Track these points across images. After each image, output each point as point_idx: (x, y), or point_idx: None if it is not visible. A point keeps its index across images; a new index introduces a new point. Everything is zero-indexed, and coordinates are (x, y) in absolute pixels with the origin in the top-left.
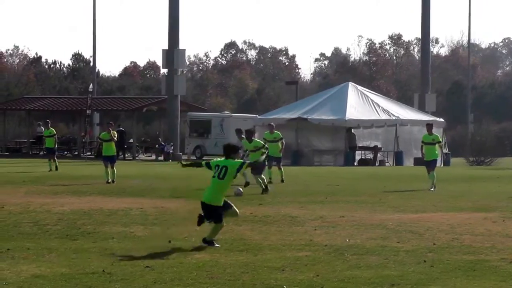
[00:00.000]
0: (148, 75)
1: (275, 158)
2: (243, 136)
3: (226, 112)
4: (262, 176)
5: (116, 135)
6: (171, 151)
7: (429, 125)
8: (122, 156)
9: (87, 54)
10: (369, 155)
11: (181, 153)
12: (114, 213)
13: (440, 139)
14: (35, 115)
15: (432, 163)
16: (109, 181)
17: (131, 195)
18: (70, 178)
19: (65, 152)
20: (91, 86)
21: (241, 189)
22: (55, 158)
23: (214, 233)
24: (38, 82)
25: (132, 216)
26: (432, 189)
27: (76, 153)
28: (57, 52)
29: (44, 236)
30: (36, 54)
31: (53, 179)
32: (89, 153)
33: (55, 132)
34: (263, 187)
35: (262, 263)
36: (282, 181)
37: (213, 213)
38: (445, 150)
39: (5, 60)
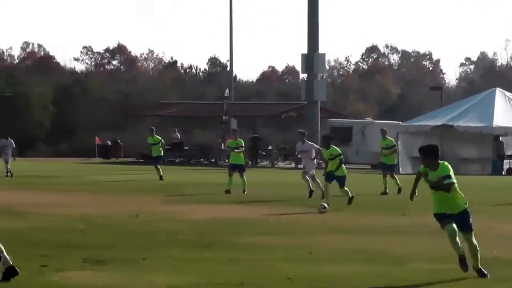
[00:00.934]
0: (286, 80)
1: (388, 166)
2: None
3: (368, 118)
4: (345, 188)
5: (242, 144)
6: None
7: None
8: (254, 163)
9: (223, 58)
10: None
11: (320, 161)
12: (248, 222)
13: None
14: (170, 121)
15: None
16: (228, 190)
17: (266, 204)
18: (207, 185)
19: (202, 160)
20: (227, 91)
21: (326, 205)
22: (158, 167)
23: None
24: (174, 87)
25: (267, 225)
26: None
27: (213, 160)
28: (193, 56)
29: (177, 246)
30: (172, 58)
31: (189, 187)
32: (227, 161)
33: (160, 139)
34: (350, 195)
35: (406, 276)
36: (399, 191)
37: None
38: None
39: (140, 64)
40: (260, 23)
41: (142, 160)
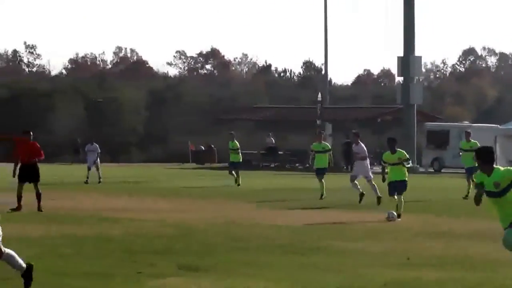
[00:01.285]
0: (382, 84)
1: (469, 168)
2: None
3: (465, 122)
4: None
5: (328, 147)
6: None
7: None
8: (350, 168)
9: (318, 61)
10: None
11: (418, 166)
12: (346, 227)
13: None
14: (264, 125)
15: None
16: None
17: (364, 208)
18: (301, 191)
19: (296, 164)
20: (319, 95)
21: (394, 213)
22: (233, 173)
23: None
24: (267, 91)
25: (365, 230)
26: None
27: (308, 165)
28: (288, 60)
29: (273, 251)
30: (266, 62)
31: (283, 192)
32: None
33: (238, 146)
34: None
35: (506, 282)
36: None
37: None
38: None
39: (233, 68)
40: (355, 26)
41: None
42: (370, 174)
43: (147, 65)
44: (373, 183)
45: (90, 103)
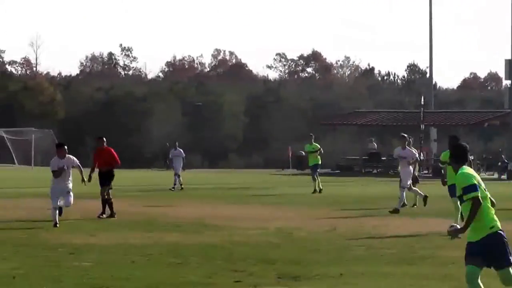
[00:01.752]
0: (489, 87)
1: None
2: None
3: None
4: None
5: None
6: None
7: None
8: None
9: (423, 65)
10: None
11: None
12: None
13: None
14: (366, 130)
15: None
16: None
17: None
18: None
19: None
20: (422, 99)
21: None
22: (315, 177)
23: None
24: (370, 95)
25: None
26: None
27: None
28: (391, 63)
29: (378, 261)
30: (369, 65)
31: (386, 199)
32: (426, 172)
33: (318, 147)
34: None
35: None
36: None
37: None
38: None
39: (335, 71)
40: (461, 28)
41: (338, 171)
42: (409, 182)
43: (246, 68)
44: (403, 193)
45: (188, 107)
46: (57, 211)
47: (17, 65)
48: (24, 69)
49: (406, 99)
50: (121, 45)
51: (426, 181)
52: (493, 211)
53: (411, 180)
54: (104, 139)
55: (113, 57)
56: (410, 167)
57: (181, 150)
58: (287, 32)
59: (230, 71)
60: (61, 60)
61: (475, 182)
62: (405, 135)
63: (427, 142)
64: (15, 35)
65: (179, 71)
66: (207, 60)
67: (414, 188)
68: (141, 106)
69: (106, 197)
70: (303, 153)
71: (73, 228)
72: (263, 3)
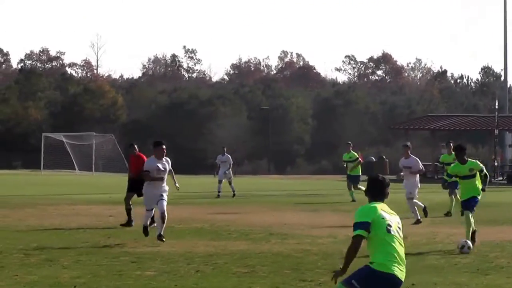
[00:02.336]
0: None
1: None
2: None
3: None
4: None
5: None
6: None
7: None
8: None
9: (497, 67)
10: None
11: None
12: None
13: None
14: (439, 135)
15: None
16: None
17: None
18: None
19: None
20: (496, 102)
21: (470, 244)
22: (353, 188)
23: None
24: (443, 99)
25: None
26: None
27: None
28: (465, 65)
29: (452, 270)
30: (441, 68)
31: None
32: (501, 178)
33: (356, 156)
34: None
35: None
36: None
37: None
38: None
39: (406, 74)
40: None
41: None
42: (416, 192)
43: (314, 71)
44: (414, 202)
45: (253, 111)
46: (149, 218)
47: (77, 67)
48: (84, 71)
49: (481, 103)
50: (184, 47)
51: (500, 188)
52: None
53: (417, 190)
54: (136, 146)
55: (176, 59)
56: (416, 177)
57: (229, 156)
58: (356, 34)
59: (297, 73)
60: (122, 62)
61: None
62: (408, 144)
63: (502, 147)
64: (75, 36)
65: (245, 74)
66: (274, 62)
67: (414, 201)
68: (205, 109)
69: (129, 206)
70: (373, 158)
71: (136, 236)
72: (331, 4)
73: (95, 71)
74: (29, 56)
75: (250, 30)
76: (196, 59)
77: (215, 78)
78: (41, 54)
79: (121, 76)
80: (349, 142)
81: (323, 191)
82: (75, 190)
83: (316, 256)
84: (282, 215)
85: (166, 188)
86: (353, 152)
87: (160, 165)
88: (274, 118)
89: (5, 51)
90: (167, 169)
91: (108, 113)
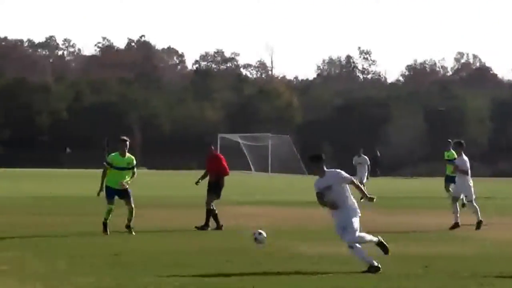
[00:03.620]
0: None
1: None
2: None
3: None
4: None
5: None
6: None
7: None
8: None
9: None
10: None
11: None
12: None
13: None
14: None
15: None
16: None
17: None
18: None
19: None
20: None
21: None
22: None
23: None
24: None
25: None
26: None
27: None
28: None
29: None
30: None
31: None
32: None
33: (455, 156)
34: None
35: None
36: None
37: None
38: None
39: None
40: None
41: None
42: (472, 193)
43: (491, 72)
44: (475, 204)
45: (430, 113)
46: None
47: (252, 68)
48: (259, 73)
49: None
50: (359, 48)
51: None
52: None
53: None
54: (213, 146)
55: (351, 60)
56: (468, 178)
57: (366, 157)
58: None
59: (474, 75)
60: (296, 63)
61: None
62: (459, 141)
63: None
64: (250, 38)
65: (420, 75)
66: (450, 63)
67: (456, 204)
68: (380, 111)
69: (211, 207)
70: None
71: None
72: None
73: (269, 72)
74: (204, 57)
75: (426, 32)
76: (371, 60)
77: (390, 80)
78: (216, 55)
79: (296, 78)
80: (450, 140)
81: (499, 194)
82: (251, 190)
83: (490, 261)
84: (461, 217)
85: (351, 213)
86: (452, 151)
87: (325, 184)
88: (450, 119)
89: (180, 52)
90: (339, 184)
91: (283, 114)
